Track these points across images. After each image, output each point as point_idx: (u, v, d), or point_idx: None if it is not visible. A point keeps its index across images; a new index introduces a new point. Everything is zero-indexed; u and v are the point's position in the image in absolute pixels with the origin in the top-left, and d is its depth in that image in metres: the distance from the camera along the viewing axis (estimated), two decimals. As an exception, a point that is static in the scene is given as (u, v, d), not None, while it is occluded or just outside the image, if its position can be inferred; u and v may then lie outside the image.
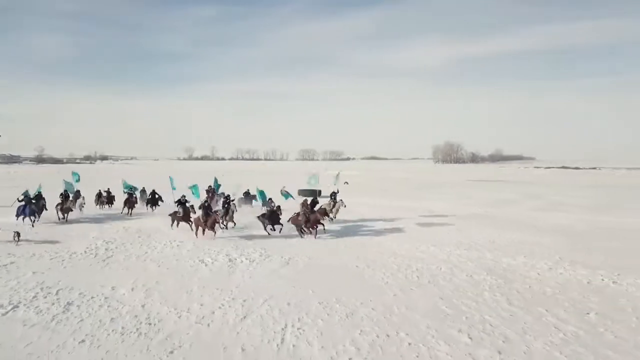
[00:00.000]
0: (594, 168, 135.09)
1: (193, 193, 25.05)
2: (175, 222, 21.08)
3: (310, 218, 19.75)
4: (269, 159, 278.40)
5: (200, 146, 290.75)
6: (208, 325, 9.67)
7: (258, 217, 20.89)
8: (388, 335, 9.12)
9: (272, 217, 20.27)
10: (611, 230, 21.98)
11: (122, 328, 9.44)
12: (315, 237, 19.23)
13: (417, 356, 8.24)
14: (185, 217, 20.81)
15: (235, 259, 15.50)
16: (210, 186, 29.14)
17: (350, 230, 21.33)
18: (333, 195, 23.91)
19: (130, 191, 27.03)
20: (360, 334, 9.20)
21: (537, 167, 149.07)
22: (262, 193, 23.48)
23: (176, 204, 21.63)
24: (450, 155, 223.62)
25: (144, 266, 14.57)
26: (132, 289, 12.05)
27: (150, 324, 9.69)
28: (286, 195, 24.64)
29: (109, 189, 29.92)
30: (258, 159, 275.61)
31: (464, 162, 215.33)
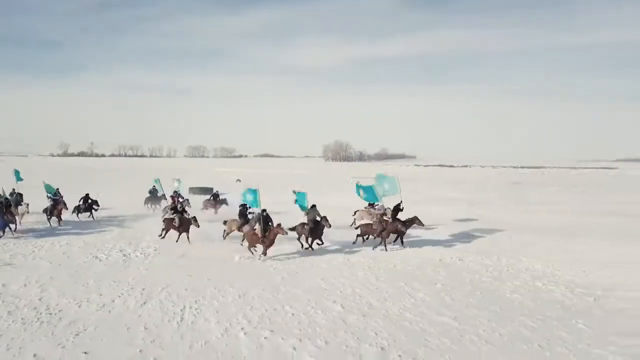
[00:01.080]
0: (466, 166, 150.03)
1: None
2: (166, 231, 18.50)
3: (389, 227, 17.37)
4: (155, 156, 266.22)
5: (77, 141, 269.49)
6: (109, 311, 10.44)
7: (295, 227, 17.26)
8: (275, 309, 10.67)
9: (315, 229, 16.90)
10: (470, 219, 25.82)
11: (22, 319, 9.86)
12: (386, 249, 17.03)
13: (299, 323, 9.89)
14: (184, 228, 18.17)
15: (130, 254, 16.04)
16: (175, 191, 25.65)
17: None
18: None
19: (55, 196, 22.61)
20: (251, 309, 10.64)
21: (417, 165, 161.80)
22: (302, 196, 18.02)
23: (171, 212, 19.13)
24: (340, 154, 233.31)
25: (35, 264, 14.56)
26: (25, 285, 12.24)
27: (50, 313, 10.21)
28: (372, 193, 19.68)
29: (14, 189, 24.54)
30: (142, 156, 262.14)
31: (352, 160, 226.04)
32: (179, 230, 18.14)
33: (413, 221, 17.48)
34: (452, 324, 9.92)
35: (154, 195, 28.14)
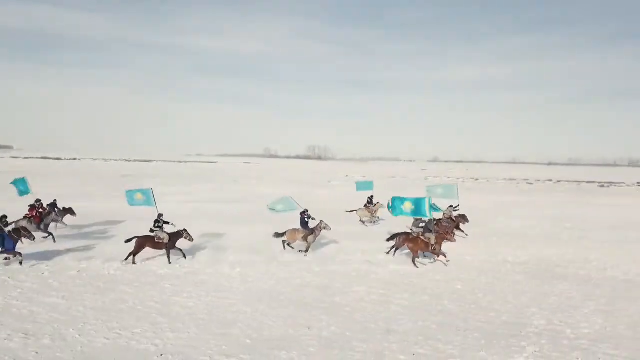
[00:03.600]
0: (75, 159, 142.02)
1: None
2: (135, 253, 15.43)
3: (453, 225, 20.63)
4: None
5: None
6: None
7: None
8: None
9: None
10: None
11: None
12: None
13: None
14: (172, 244, 15.86)
15: None
16: (38, 200, 19.39)
17: None
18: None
19: None
20: None
21: (15, 157, 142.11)
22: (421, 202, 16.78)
23: (156, 226, 16.03)
24: None
25: None
26: None
27: None
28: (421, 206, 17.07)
29: None
30: None
31: None
32: (166, 248, 15.76)
33: (465, 217, 21.90)
34: (60, 302, 11.32)
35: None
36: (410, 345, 9.37)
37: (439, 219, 20.31)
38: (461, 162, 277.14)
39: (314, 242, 17.55)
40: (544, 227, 25.87)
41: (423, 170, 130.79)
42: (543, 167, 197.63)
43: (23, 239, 14.87)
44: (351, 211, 25.43)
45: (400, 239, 16.83)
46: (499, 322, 10.86)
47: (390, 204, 17.57)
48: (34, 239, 15.45)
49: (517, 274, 15.39)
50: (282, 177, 79.82)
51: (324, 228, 17.59)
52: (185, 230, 16.31)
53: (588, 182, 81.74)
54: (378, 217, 25.60)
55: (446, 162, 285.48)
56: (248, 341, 9.39)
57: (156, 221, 16.21)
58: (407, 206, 16.86)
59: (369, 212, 25.15)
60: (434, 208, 19.23)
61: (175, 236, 16.04)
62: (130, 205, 17.46)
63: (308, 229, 17.74)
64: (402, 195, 18.08)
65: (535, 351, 9.26)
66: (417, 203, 16.66)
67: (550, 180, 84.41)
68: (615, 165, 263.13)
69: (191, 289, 12.80)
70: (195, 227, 22.52)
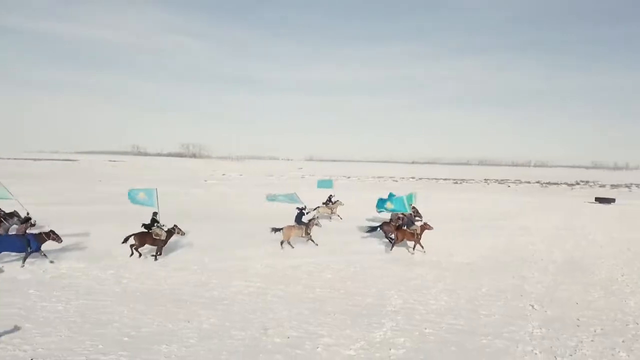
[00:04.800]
0: None
1: None
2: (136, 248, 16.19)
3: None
4: None
5: None
6: None
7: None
8: None
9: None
10: None
11: None
12: None
13: None
14: (166, 241, 16.56)
15: None
16: None
17: None
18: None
19: None
20: None
21: None
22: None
23: (152, 224, 16.61)
24: None
25: None
26: None
27: None
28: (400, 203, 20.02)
29: None
30: None
31: None
32: (161, 245, 16.42)
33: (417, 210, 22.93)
34: None
35: None
36: (285, 330, 10.17)
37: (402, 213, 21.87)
38: (335, 161, 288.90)
39: (309, 234, 19.13)
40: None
41: (300, 169, 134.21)
42: (407, 166, 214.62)
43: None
44: (315, 208, 26.95)
45: (398, 235, 18.77)
46: (364, 304, 12.17)
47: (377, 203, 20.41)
48: (62, 241, 15.97)
49: (375, 262, 17.07)
50: (153, 175, 76.41)
51: (316, 224, 19.20)
52: (175, 226, 16.93)
53: (445, 179, 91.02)
54: (338, 215, 27.88)
55: (321, 161, 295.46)
56: (126, 339, 9.41)
57: (153, 220, 16.84)
58: (389, 205, 19.88)
59: (328, 209, 28.06)
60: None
61: (169, 233, 16.70)
62: (133, 203, 17.85)
63: (303, 224, 19.34)
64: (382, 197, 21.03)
65: (392, 326, 10.64)
66: (397, 201, 19.79)
67: (413, 178, 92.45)
68: (468, 164, 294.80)
69: (59, 293, 12.21)
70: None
